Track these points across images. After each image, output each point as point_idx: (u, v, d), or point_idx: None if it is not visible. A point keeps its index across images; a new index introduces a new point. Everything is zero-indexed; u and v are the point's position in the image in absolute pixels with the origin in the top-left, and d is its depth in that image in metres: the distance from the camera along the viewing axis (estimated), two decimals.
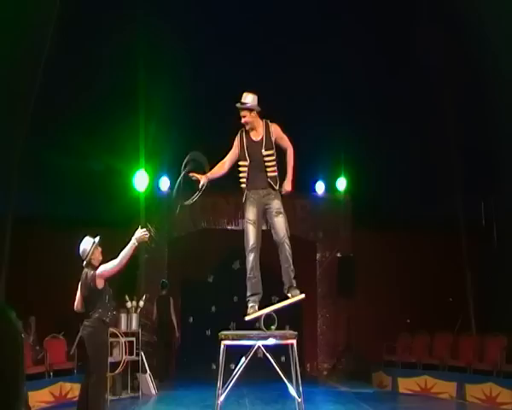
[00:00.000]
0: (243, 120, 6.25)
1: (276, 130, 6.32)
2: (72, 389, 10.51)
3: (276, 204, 6.20)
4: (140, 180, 13.09)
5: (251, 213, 6.20)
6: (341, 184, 14.24)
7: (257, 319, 6.10)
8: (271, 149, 6.23)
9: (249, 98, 6.25)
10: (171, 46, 12.36)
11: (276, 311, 6.09)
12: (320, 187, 14.23)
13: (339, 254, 14.33)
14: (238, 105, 6.25)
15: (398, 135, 12.77)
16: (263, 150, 6.19)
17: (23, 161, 11.30)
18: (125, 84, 12.45)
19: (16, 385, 1.59)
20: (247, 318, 6.11)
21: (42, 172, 12.48)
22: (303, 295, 6.16)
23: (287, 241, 6.17)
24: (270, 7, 12.94)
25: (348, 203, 14.50)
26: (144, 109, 12.76)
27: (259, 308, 6.12)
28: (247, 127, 6.27)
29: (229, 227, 14.12)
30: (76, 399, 10.40)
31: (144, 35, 12.52)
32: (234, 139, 6.39)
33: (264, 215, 6.28)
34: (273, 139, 6.25)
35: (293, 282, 6.22)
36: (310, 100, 13.07)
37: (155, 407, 10.81)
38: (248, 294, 6.20)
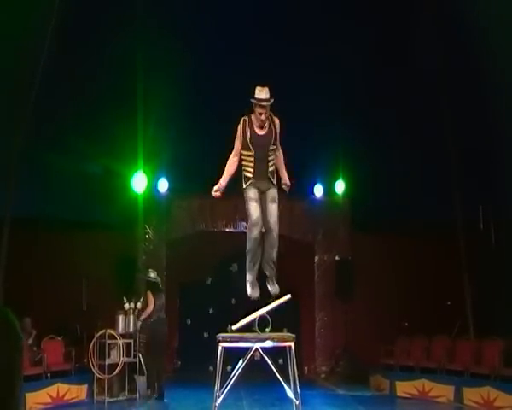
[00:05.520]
0: (264, 117, 6.04)
1: (278, 125, 6.23)
2: (70, 391, 10.50)
3: (273, 192, 6.19)
4: (138, 182, 13.09)
5: (252, 193, 6.13)
6: (340, 186, 14.25)
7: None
8: (275, 143, 6.20)
9: (268, 92, 6.04)
10: (169, 47, 12.36)
11: (272, 313, 6.08)
12: (318, 190, 14.22)
13: (337, 257, 14.33)
14: (264, 103, 5.99)
15: (396, 138, 12.79)
16: (270, 145, 6.12)
17: (22, 163, 11.30)
18: (124, 86, 12.46)
19: (13, 387, 1.59)
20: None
21: (40, 174, 12.49)
22: (289, 296, 6.18)
23: (276, 229, 6.13)
24: (269, 8, 12.95)
25: (346, 206, 14.51)
26: (142, 111, 12.77)
27: (249, 313, 6.09)
28: (262, 123, 6.10)
29: (227, 229, 14.12)
30: (75, 400, 10.50)
31: (143, 36, 12.53)
32: (235, 127, 6.21)
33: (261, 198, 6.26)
34: (277, 135, 6.20)
35: (274, 275, 6.22)
36: (308, 102, 13.07)
37: (153, 408, 10.79)
38: (249, 265, 6.19)
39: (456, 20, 11.53)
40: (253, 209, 6.11)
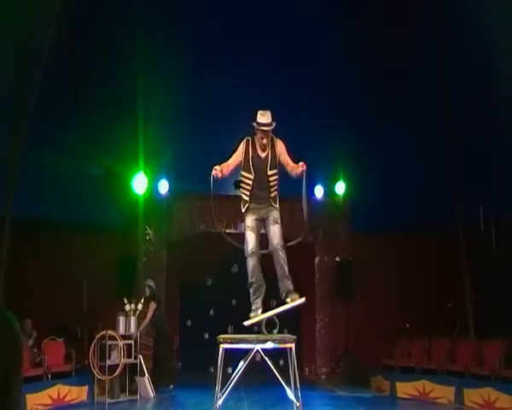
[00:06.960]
0: (265, 141, 6.14)
1: (280, 147, 6.26)
2: (71, 392, 10.49)
3: (275, 214, 6.26)
4: (139, 183, 13.08)
5: (249, 220, 6.26)
6: (340, 187, 14.24)
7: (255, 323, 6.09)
8: (276, 168, 6.22)
9: (270, 116, 6.11)
10: (170, 48, 12.36)
11: (275, 315, 6.08)
12: (319, 191, 14.21)
13: (337, 258, 14.32)
14: (265, 128, 6.07)
15: (397, 139, 12.78)
16: (268, 170, 6.17)
17: (22, 164, 11.29)
18: (124, 87, 12.45)
19: (10, 387, 1.59)
20: (246, 322, 6.10)
21: (41, 175, 12.47)
22: (303, 299, 6.14)
23: (280, 248, 6.19)
24: (269, 10, 12.95)
25: (347, 207, 14.49)
26: (143, 112, 12.75)
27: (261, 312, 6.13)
28: (264, 147, 6.18)
29: (227, 231, 14.09)
30: (75, 402, 10.50)
31: (143, 37, 12.52)
32: (237, 144, 6.28)
33: (262, 224, 6.29)
34: (277, 158, 6.22)
35: (291, 286, 6.21)
36: (309, 104, 13.07)
37: (154, 409, 10.80)
38: (253, 297, 6.21)
39: (458, 17, 11.53)
40: (249, 239, 6.22)
